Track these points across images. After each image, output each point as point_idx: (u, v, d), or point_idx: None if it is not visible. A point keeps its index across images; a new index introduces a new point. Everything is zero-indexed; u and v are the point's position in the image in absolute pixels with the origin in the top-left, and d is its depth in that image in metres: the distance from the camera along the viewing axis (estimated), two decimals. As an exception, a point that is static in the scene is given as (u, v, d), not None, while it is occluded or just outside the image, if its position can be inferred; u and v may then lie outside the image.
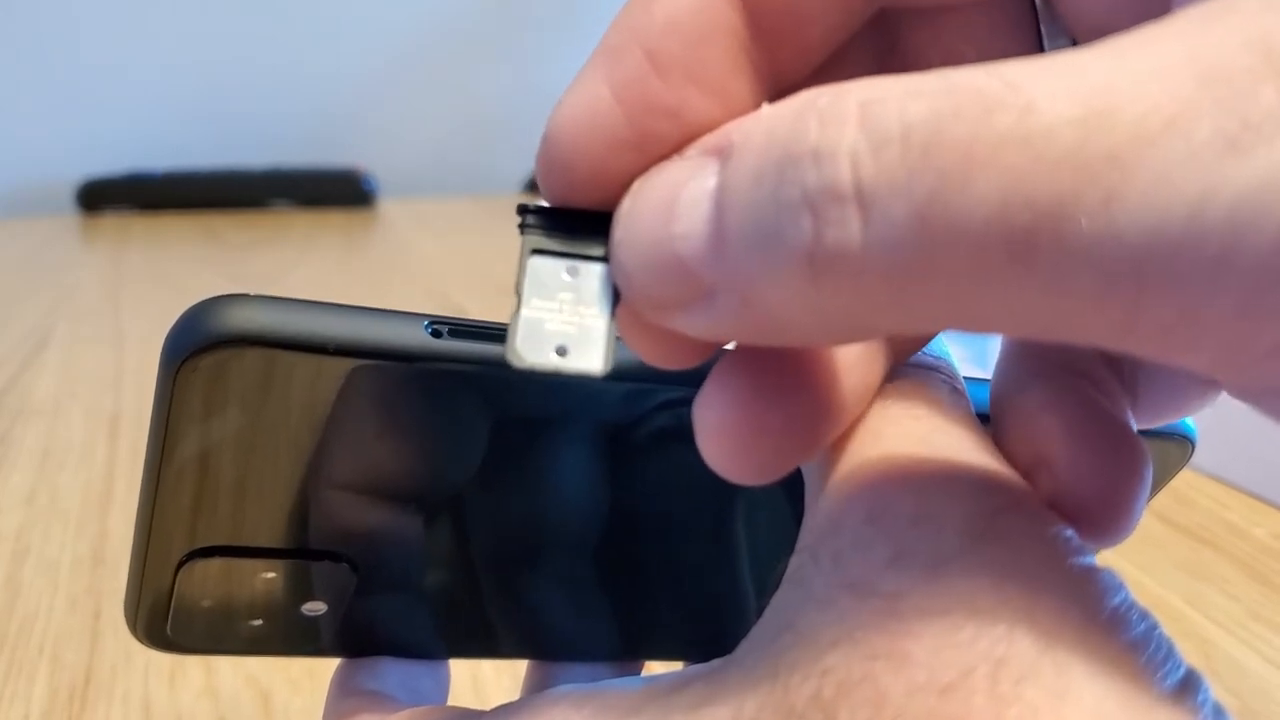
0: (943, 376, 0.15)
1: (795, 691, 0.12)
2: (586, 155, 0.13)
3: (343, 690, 0.20)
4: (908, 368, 0.15)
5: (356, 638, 0.20)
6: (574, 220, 0.13)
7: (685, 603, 0.22)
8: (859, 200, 0.10)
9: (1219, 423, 0.46)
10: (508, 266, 0.88)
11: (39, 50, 1.14)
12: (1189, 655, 0.12)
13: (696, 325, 0.12)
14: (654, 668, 0.22)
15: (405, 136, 1.25)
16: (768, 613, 0.14)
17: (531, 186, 1.21)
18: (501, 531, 0.20)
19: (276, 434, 0.17)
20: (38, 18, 1.13)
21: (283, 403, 0.16)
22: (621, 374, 0.18)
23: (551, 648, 0.22)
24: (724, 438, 0.13)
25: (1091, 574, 0.12)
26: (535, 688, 0.22)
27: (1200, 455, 0.20)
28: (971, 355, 0.56)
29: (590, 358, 0.12)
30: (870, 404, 0.14)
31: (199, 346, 0.15)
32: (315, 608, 0.19)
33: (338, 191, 1.15)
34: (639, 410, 0.18)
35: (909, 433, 0.14)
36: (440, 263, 0.92)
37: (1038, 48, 0.15)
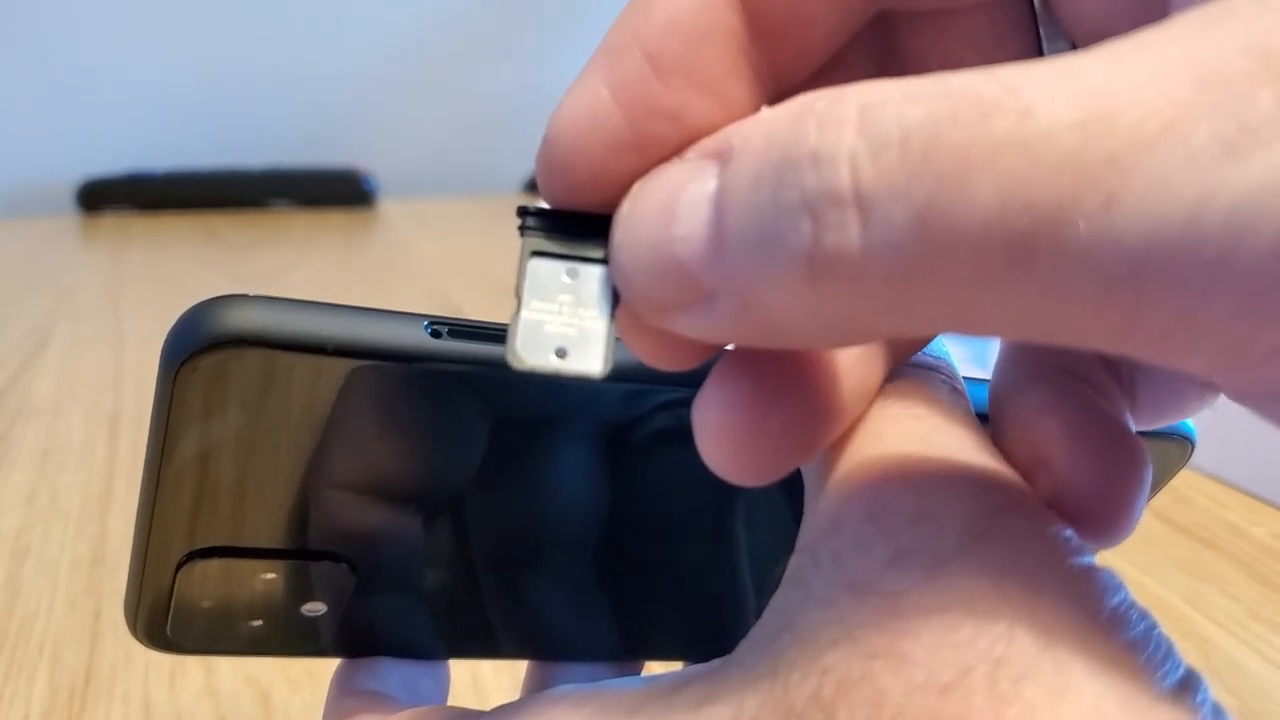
0: (943, 376, 0.15)
1: (795, 691, 0.12)
2: (586, 157, 0.13)
3: (342, 690, 0.20)
4: (908, 368, 0.15)
5: (356, 638, 0.21)
6: (574, 222, 0.13)
7: (685, 603, 0.22)
8: (858, 204, 0.10)
9: (1218, 423, 0.46)
10: (508, 266, 0.88)
11: (39, 50, 1.14)
12: (1189, 655, 0.12)
13: (696, 327, 0.12)
14: (654, 668, 0.22)
15: (405, 136, 1.25)
16: (767, 612, 0.14)
17: (531, 186, 1.21)
18: (501, 532, 0.20)
19: (276, 434, 0.17)
20: (38, 18, 1.13)
21: (283, 403, 0.16)
22: (621, 374, 0.18)
23: (551, 648, 0.22)
24: (723, 439, 0.13)
25: (1091, 574, 0.12)
26: (535, 688, 0.22)
27: (1200, 455, 0.20)
28: (971, 355, 0.56)
29: (590, 360, 0.12)
30: (870, 404, 0.14)
31: (199, 347, 0.15)
32: (315, 608, 0.19)
33: (338, 191, 1.15)
34: (639, 411, 0.18)
35: (909, 432, 0.14)
36: (440, 263, 0.92)
37: (1037, 51, 0.15)
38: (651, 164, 0.13)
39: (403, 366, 0.16)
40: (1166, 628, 0.12)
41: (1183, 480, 0.39)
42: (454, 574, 0.20)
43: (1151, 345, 0.10)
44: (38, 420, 0.57)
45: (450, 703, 0.20)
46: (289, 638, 0.20)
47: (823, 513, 0.14)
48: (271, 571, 0.19)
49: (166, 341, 0.16)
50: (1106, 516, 0.14)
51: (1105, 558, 0.20)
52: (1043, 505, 0.13)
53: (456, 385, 0.17)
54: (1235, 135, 0.09)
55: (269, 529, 0.18)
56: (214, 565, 0.18)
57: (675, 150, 0.13)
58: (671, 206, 0.12)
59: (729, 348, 0.13)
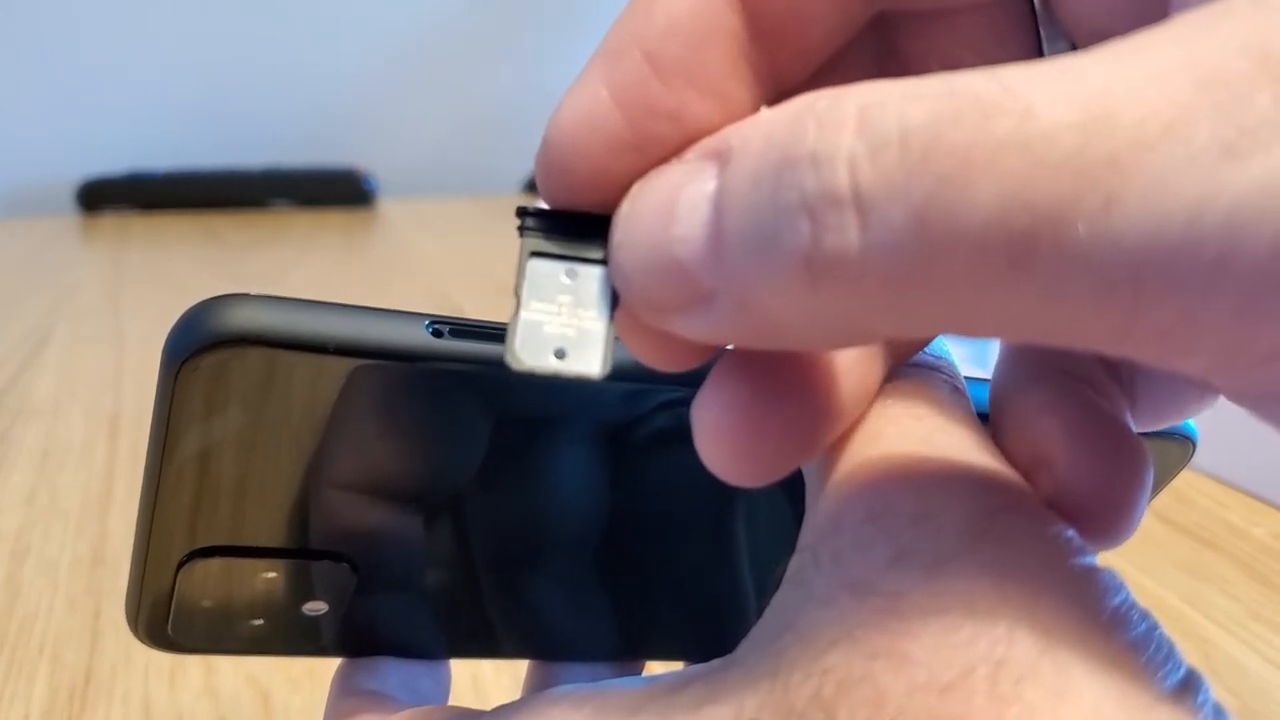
0: (943, 376, 0.15)
1: (795, 691, 0.12)
2: (586, 157, 0.13)
3: (343, 690, 0.20)
4: (908, 368, 0.15)
5: (357, 638, 0.21)
6: (573, 223, 0.13)
7: (686, 603, 0.22)
8: (857, 204, 0.10)
9: (1219, 423, 0.46)
10: (508, 266, 0.88)
11: (39, 50, 1.14)
12: (1189, 655, 0.12)
13: (695, 329, 0.12)
14: (654, 668, 0.22)
15: (405, 136, 1.25)
16: (768, 612, 0.14)
17: (531, 186, 1.21)
18: (502, 531, 0.20)
19: (277, 434, 0.17)
20: (38, 18, 1.13)
21: (283, 402, 0.16)
22: (621, 374, 0.18)
23: (552, 648, 0.22)
24: (722, 440, 0.13)
25: (1092, 574, 0.12)
26: (535, 688, 0.22)
27: (1200, 455, 0.20)
28: (971, 355, 0.56)
29: (589, 360, 0.12)
30: (870, 404, 0.14)
31: (200, 346, 0.15)
32: (316, 607, 0.19)
33: (338, 191, 1.15)
34: (639, 411, 0.18)
35: (909, 432, 0.14)
36: (440, 263, 0.92)
37: (1037, 52, 0.15)
38: (651, 165, 0.13)
39: (404, 366, 0.16)
40: (1167, 628, 0.12)
41: (1183, 480, 0.39)
42: (455, 574, 0.20)
43: (1151, 346, 0.10)
44: (38, 420, 0.57)
45: (450, 703, 0.20)
46: (290, 637, 0.20)
47: (823, 513, 0.14)
48: (272, 571, 0.19)
49: (167, 341, 0.16)
50: (1107, 517, 0.14)
51: (1105, 558, 0.20)
52: (1043, 505, 0.13)
53: (457, 385, 0.17)
54: (1234, 137, 0.09)
55: (270, 528, 0.18)
56: (215, 564, 0.18)
57: (675, 151, 0.13)
58: (670, 207, 0.12)
59: (728, 349, 0.13)
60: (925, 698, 0.11)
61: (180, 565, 0.18)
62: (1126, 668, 0.11)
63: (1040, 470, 0.14)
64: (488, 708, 0.17)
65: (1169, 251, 0.09)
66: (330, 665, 0.21)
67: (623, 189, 0.13)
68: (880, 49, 0.15)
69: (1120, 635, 0.12)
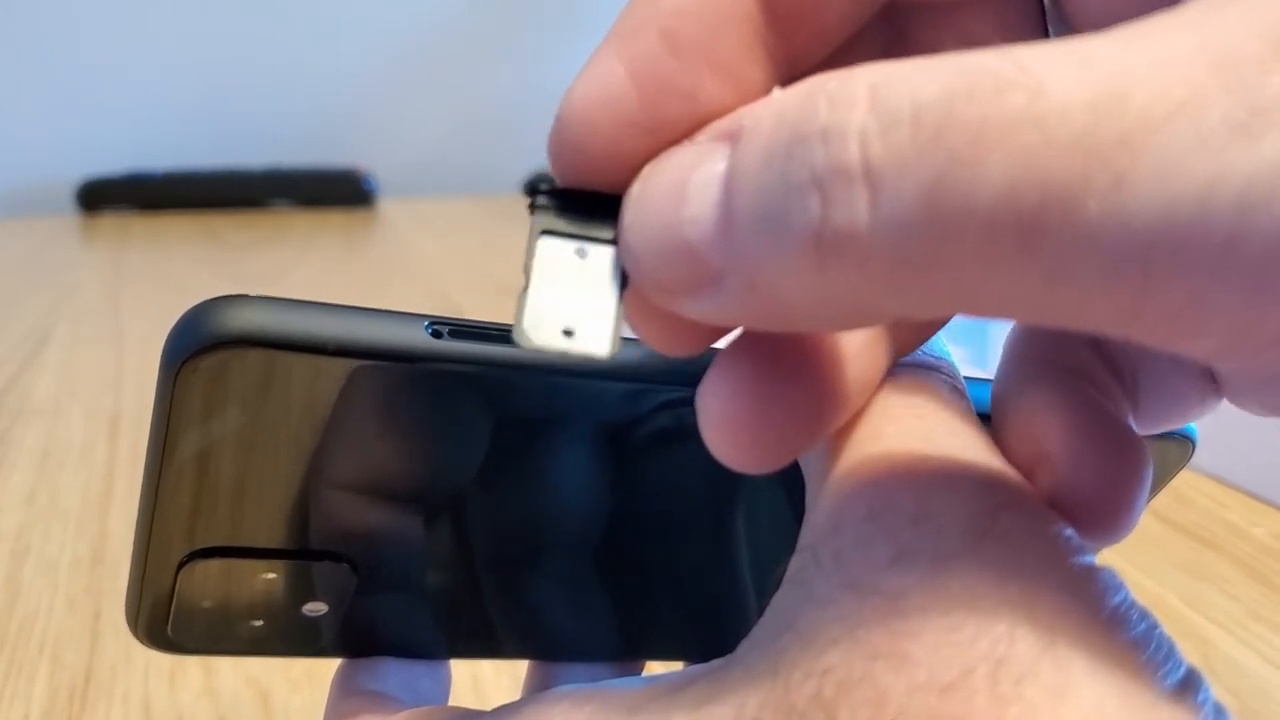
0: (943, 376, 0.15)
1: (796, 691, 0.12)
2: (599, 136, 0.13)
3: (343, 691, 0.20)
4: (908, 367, 0.15)
5: (357, 638, 0.20)
6: (585, 202, 0.13)
7: (686, 603, 0.22)
8: (867, 180, 0.10)
9: (1219, 423, 0.46)
10: (507, 267, 0.88)
11: (39, 50, 1.14)
12: (1188, 655, 0.12)
13: (703, 310, 0.12)
14: (654, 668, 0.22)
15: (405, 136, 1.25)
16: (768, 612, 0.14)
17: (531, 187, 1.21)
18: (502, 532, 0.20)
19: (277, 435, 0.17)
20: (38, 18, 1.13)
21: (283, 403, 0.16)
22: (621, 374, 0.18)
23: (552, 648, 0.22)
24: (727, 425, 0.13)
25: (1092, 573, 0.12)
26: (535, 688, 0.22)
27: (1200, 455, 0.20)
28: (971, 355, 0.56)
29: (597, 340, 0.12)
30: (871, 400, 0.14)
31: (199, 347, 0.15)
32: (316, 608, 0.19)
33: (338, 191, 1.15)
34: (639, 411, 0.18)
35: (910, 431, 0.14)
36: (440, 263, 0.92)
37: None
38: (664, 145, 0.13)
39: (403, 367, 0.16)
40: (1166, 627, 0.12)
41: (1183, 480, 0.39)
42: (455, 574, 0.20)
43: (1160, 329, 0.10)
44: (38, 420, 0.57)
45: (450, 703, 0.20)
46: (290, 638, 0.20)
47: (824, 512, 0.14)
48: (272, 571, 0.19)
49: (167, 341, 0.16)
50: (1107, 514, 0.14)
51: (1105, 557, 0.20)
52: (1044, 504, 0.13)
53: (457, 385, 0.17)
54: (1246, 118, 0.09)
55: (270, 529, 0.18)
56: (215, 565, 0.18)
57: (688, 132, 0.13)
58: (681, 188, 0.12)
59: (735, 334, 0.13)
60: (926, 697, 0.11)
61: (180, 566, 0.18)
62: (1127, 667, 0.11)
63: (1041, 466, 0.14)
64: (488, 708, 0.17)
65: (1179, 232, 0.09)
66: (330, 665, 0.21)
67: (635, 169, 0.13)
68: (890, 37, 0.15)
69: (1120, 634, 0.12)
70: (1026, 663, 0.11)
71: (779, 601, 0.14)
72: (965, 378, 0.16)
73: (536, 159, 1.24)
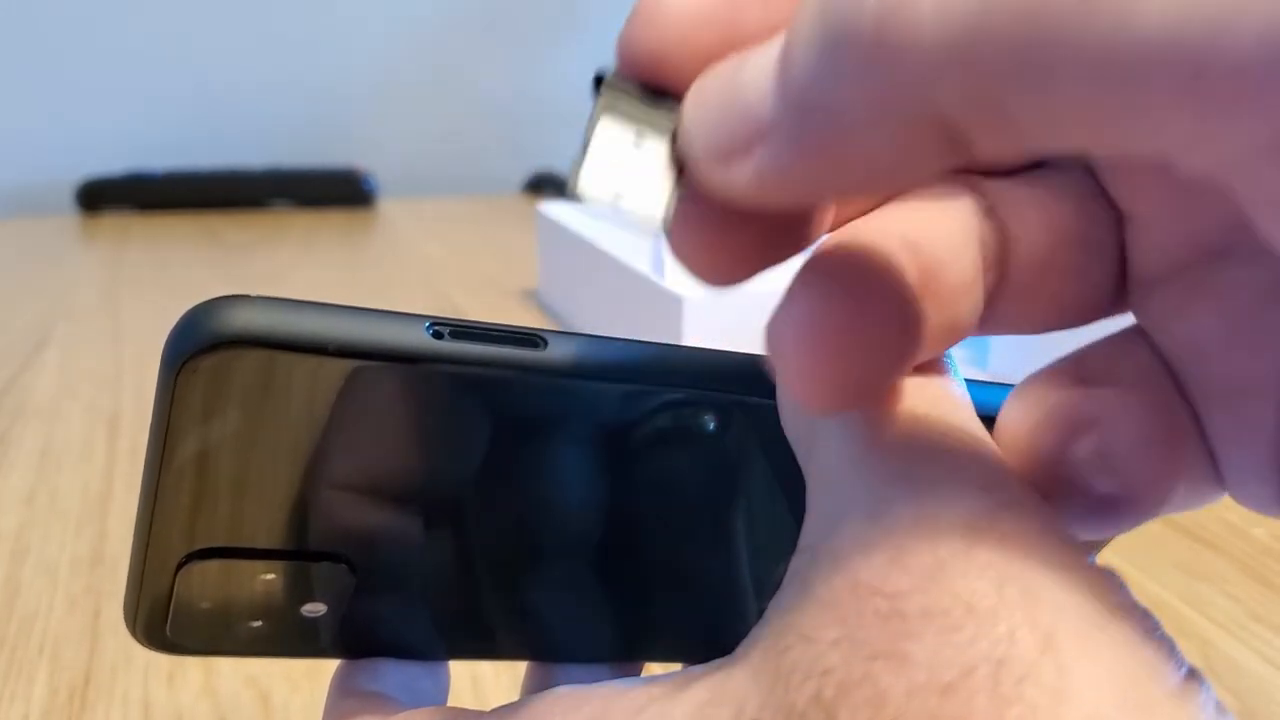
0: (944, 376, 0.15)
1: (796, 691, 0.12)
2: (671, 33, 0.13)
3: (342, 691, 0.20)
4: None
5: (356, 639, 0.20)
6: (649, 93, 0.13)
7: (685, 603, 0.22)
8: None
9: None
10: (508, 267, 0.88)
11: (39, 50, 1.14)
12: (1188, 655, 0.12)
13: (759, 171, 0.12)
14: (654, 669, 0.22)
15: (405, 137, 1.25)
16: (768, 613, 0.14)
17: (531, 187, 1.21)
18: (501, 533, 0.20)
19: (277, 435, 0.17)
20: (38, 18, 1.13)
21: (283, 404, 0.16)
22: (622, 375, 0.18)
23: (551, 648, 0.22)
24: (808, 345, 0.13)
25: (1092, 573, 0.12)
26: (535, 688, 0.22)
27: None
28: (972, 356, 0.56)
29: (651, 207, 0.13)
30: (872, 399, 0.14)
31: (200, 347, 0.15)
32: (315, 609, 0.19)
33: (337, 191, 1.15)
34: (639, 412, 0.18)
35: (909, 431, 0.14)
36: (440, 263, 0.93)
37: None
38: (734, 49, 0.13)
39: (404, 367, 0.16)
40: (1166, 628, 0.12)
41: (1183, 481, 0.39)
42: (454, 575, 0.20)
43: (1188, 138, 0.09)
44: (37, 420, 0.57)
45: (450, 703, 0.20)
46: (289, 638, 0.20)
47: (824, 512, 0.14)
48: (271, 572, 0.19)
49: (167, 342, 0.16)
50: (1145, 491, 0.14)
51: (1106, 558, 0.20)
52: (1044, 504, 0.13)
53: (457, 386, 0.17)
54: None
55: (269, 529, 0.18)
56: (214, 566, 0.18)
57: (758, 39, 0.13)
58: (742, 61, 0.12)
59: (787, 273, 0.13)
60: (926, 698, 0.11)
61: (179, 566, 0.18)
62: (1128, 667, 0.11)
63: (1096, 425, 0.14)
64: (487, 708, 0.17)
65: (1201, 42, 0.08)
66: (329, 665, 0.21)
67: (701, 69, 0.13)
68: None
69: (1122, 635, 0.12)
70: (1027, 663, 0.11)
71: (779, 602, 0.14)
72: (965, 379, 0.16)
73: (536, 159, 1.24)
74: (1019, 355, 0.51)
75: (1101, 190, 0.16)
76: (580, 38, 1.30)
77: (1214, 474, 0.16)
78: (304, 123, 1.22)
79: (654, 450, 0.19)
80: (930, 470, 0.13)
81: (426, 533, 0.19)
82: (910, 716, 0.11)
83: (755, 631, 0.14)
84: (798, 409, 0.16)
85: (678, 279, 0.60)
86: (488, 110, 1.28)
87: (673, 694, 0.14)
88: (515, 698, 0.17)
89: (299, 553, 0.18)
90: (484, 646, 0.23)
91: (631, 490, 0.20)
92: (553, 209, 0.76)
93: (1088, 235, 0.16)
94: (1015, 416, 0.16)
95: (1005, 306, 0.15)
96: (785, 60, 0.11)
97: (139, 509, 0.17)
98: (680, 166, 0.13)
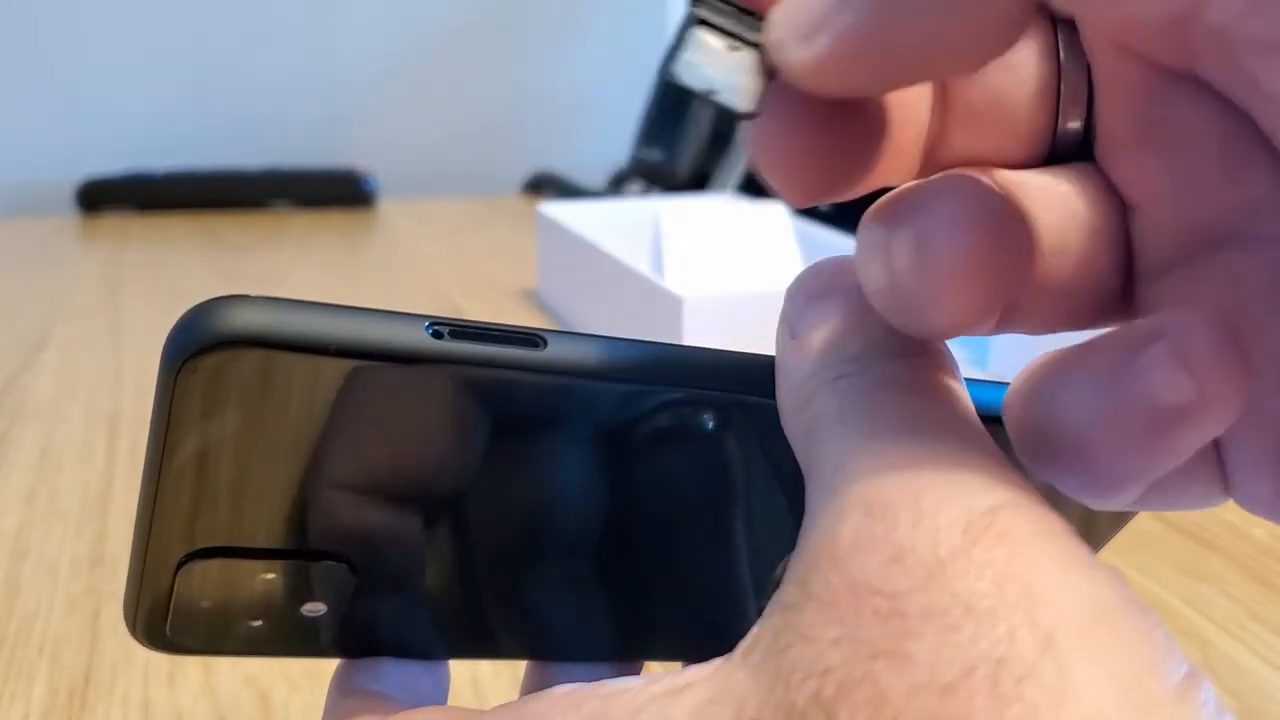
0: (944, 376, 0.15)
1: (796, 691, 0.12)
2: None
3: (342, 691, 0.20)
4: (909, 367, 0.15)
5: (356, 638, 0.20)
6: (740, 12, 0.14)
7: (685, 603, 0.22)
8: None
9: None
10: (507, 267, 0.88)
11: (39, 50, 1.14)
12: (1188, 656, 0.12)
13: (837, 37, 0.12)
14: (654, 668, 0.22)
15: (405, 137, 1.25)
16: (768, 612, 0.14)
17: (531, 187, 1.21)
18: (501, 532, 0.20)
19: (277, 435, 0.17)
20: (37, 18, 1.13)
21: (283, 404, 0.16)
22: (622, 375, 0.18)
23: (551, 648, 0.22)
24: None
25: (1093, 572, 0.12)
26: (535, 688, 0.22)
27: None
28: (972, 356, 0.56)
29: (741, 96, 0.14)
30: (871, 400, 0.14)
31: (199, 347, 0.15)
32: (315, 608, 0.19)
33: (337, 192, 1.15)
34: (639, 412, 0.18)
35: (910, 431, 0.14)
36: (440, 263, 0.93)
37: None
38: None
39: (404, 367, 0.16)
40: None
41: (1182, 481, 0.39)
42: (454, 574, 0.20)
43: None
44: (37, 420, 0.57)
45: (450, 703, 0.20)
46: (289, 638, 0.20)
47: (823, 512, 0.14)
48: (271, 572, 0.19)
49: (167, 342, 0.16)
50: (1214, 402, 0.13)
51: (1105, 557, 0.20)
52: (1044, 503, 0.13)
53: (457, 386, 0.17)
54: None
55: (269, 529, 0.18)
56: (214, 565, 0.18)
57: None
58: None
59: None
60: (926, 698, 0.11)
61: (179, 566, 0.18)
62: (1128, 666, 0.11)
63: (1163, 334, 0.14)
64: (487, 708, 0.17)
65: None
66: (329, 665, 0.21)
67: None
68: None
69: (1122, 634, 0.12)
70: (1027, 663, 0.11)
71: (778, 601, 0.14)
72: (965, 378, 0.16)
73: (536, 159, 1.24)
74: (1019, 355, 0.51)
75: (1107, 184, 0.16)
76: (580, 38, 1.30)
77: (1219, 474, 0.16)
78: (304, 123, 1.22)
79: (654, 450, 0.19)
80: (930, 470, 0.13)
81: (426, 533, 0.19)
82: (910, 716, 0.11)
83: (755, 631, 0.14)
84: (798, 408, 0.16)
85: (678, 279, 0.60)
86: (488, 110, 1.28)
87: (673, 693, 0.14)
88: (515, 698, 0.17)
89: (299, 552, 0.18)
90: (484, 646, 0.23)
91: (631, 490, 0.20)
92: (553, 209, 0.76)
93: (1098, 226, 0.16)
94: (1045, 362, 0.16)
95: (1023, 298, 0.15)
96: None
97: (139, 509, 0.17)
98: (769, 71, 0.14)
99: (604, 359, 0.18)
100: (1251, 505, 0.15)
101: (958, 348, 0.16)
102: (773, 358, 0.17)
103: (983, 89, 0.15)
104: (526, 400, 0.18)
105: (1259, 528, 0.44)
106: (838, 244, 0.67)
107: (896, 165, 0.16)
